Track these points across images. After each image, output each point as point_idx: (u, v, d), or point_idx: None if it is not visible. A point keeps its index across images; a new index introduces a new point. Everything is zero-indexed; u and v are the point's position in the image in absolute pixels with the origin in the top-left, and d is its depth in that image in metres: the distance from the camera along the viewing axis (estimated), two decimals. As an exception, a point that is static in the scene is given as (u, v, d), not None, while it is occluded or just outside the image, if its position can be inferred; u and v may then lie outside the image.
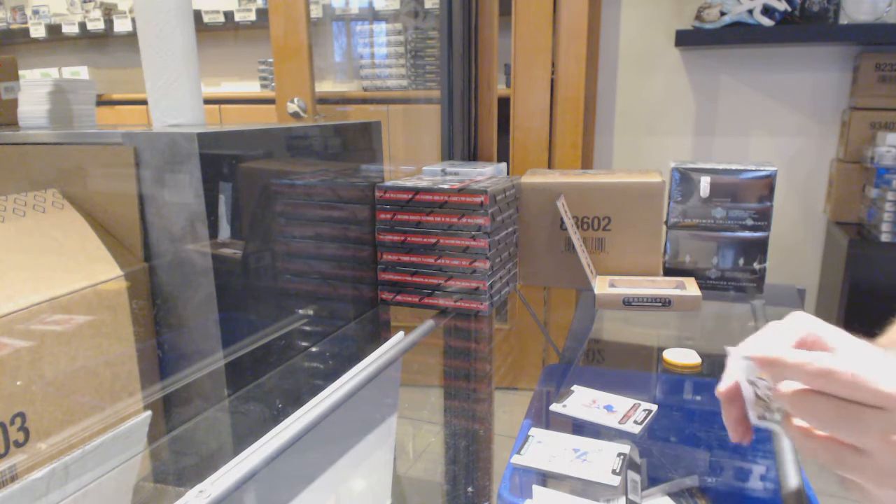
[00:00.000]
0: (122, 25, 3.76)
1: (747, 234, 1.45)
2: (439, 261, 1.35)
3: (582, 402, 1.08)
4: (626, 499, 0.81)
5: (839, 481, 0.49)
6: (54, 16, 3.97)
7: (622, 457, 0.90)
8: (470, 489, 0.97)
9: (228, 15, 3.65)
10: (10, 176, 1.18)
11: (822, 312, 2.10)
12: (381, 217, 1.40)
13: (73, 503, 0.90)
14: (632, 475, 0.87)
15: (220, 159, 1.10)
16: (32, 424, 0.90)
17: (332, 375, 1.17)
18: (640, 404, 1.06)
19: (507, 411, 1.24)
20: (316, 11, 3.26)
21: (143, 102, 1.39)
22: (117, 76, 3.65)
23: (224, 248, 1.11)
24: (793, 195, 2.18)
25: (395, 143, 2.89)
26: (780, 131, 2.21)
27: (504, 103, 2.35)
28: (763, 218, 1.44)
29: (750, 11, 2.01)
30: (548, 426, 1.01)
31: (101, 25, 3.85)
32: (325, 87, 3.29)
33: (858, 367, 0.40)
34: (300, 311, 1.30)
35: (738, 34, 2.07)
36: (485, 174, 1.50)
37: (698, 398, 1.17)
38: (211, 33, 3.66)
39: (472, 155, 2.22)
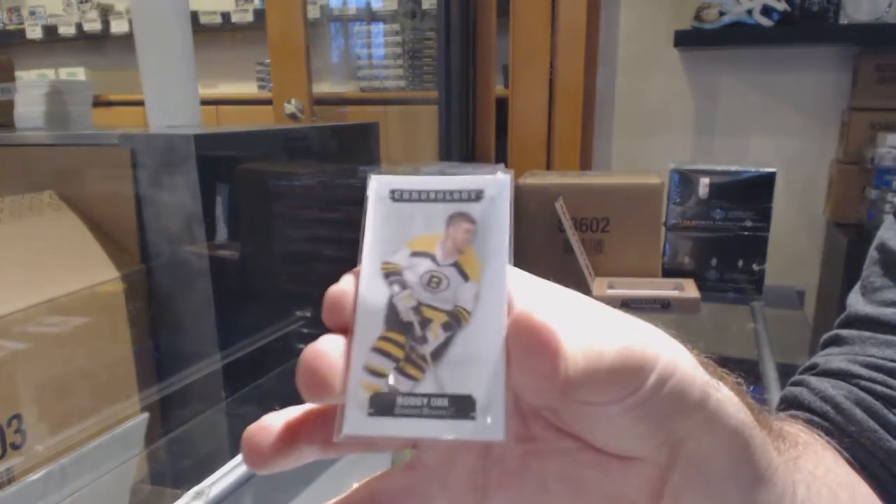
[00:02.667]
0: (118, 26, 3.76)
1: (746, 235, 1.45)
2: (438, 262, 1.34)
3: None
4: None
5: None
6: (51, 17, 3.96)
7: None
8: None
9: (225, 16, 3.64)
10: (7, 177, 1.18)
11: (821, 314, 2.10)
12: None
13: (69, 507, 0.89)
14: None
15: (216, 161, 1.09)
16: (29, 426, 0.90)
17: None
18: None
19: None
20: (313, 12, 3.25)
21: (140, 104, 1.39)
22: (114, 77, 3.64)
23: (221, 250, 1.10)
24: (792, 196, 2.17)
25: (392, 145, 2.89)
26: (779, 132, 2.21)
27: (502, 104, 2.35)
28: (762, 219, 1.44)
29: (749, 11, 2.00)
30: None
31: (97, 26, 3.84)
32: (323, 88, 3.29)
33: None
34: (298, 313, 1.29)
35: (738, 34, 2.06)
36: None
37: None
38: (208, 34, 3.66)
39: (470, 156, 2.22)
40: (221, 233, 1.10)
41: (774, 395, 1.00)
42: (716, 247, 1.47)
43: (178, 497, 0.79)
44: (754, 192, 1.44)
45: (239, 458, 0.87)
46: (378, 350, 0.26)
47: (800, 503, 0.36)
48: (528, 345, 0.24)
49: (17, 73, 1.76)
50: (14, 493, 0.85)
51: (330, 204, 1.36)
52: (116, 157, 1.09)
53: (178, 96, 1.37)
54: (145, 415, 1.06)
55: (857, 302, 0.57)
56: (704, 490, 0.31)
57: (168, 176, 1.06)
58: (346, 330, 0.27)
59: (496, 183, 0.29)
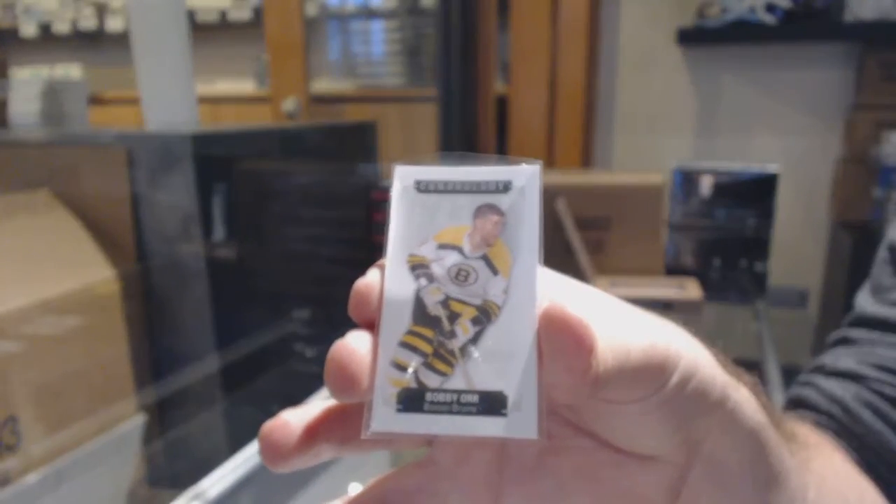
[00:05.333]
0: (114, 24, 3.74)
1: (749, 234, 1.44)
2: (437, 262, 1.33)
3: None
4: None
5: None
6: (45, 14, 3.95)
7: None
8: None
9: (223, 13, 3.63)
10: (1, 176, 1.17)
11: (825, 314, 2.09)
12: (377, 219, 1.38)
13: (63, 512, 0.89)
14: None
15: (214, 160, 1.09)
16: (24, 428, 0.89)
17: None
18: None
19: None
20: (311, 9, 3.24)
21: (137, 102, 1.38)
22: (110, 75, 3.63)
23: (218, 250, 1.10)
24: (796, 195, 2.16)
25: (391, 143, 2.88)
26: (783, 130, 2.20)
27: (503, 102, 2.34)
28: (765, 218, 1.44)
29: (752, 9, 1.99)
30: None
31: (93, 24, 3.82)
32: (321, 85, 3.28)
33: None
34: (295, 314, 1.29)
35: (741, 32, 2.05)
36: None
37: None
38: (205, 32, 3.64)
39: (471, 155, 2.20)
40: (218, 232, 1.09)
41: (777, 395, 0.99)
42: (718, 246, 1.47)
43: (175, 498, 0.78)
44: (757, 191, 1.43)
45: (238, 458, 0.86)
46: (406, 345, 0.26)
47: None
48: (562, 340, 0.24)
49: (11, 71, 1.75)
50: (9, 495, 0.84)
51: (328, 203, 1.36)
52: (112, 156, 1.08)
53: (174, 94, 1.36)
54: (142, 416, 1.06)
55: (865, 302, 0.57)
56: (721, 491, 0.31)
57: (165, 175, 1.05)
58: (372, 325, 0.26)
59: (525, 173, 0.28)
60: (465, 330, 0.26)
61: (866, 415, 0.50)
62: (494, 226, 0.27)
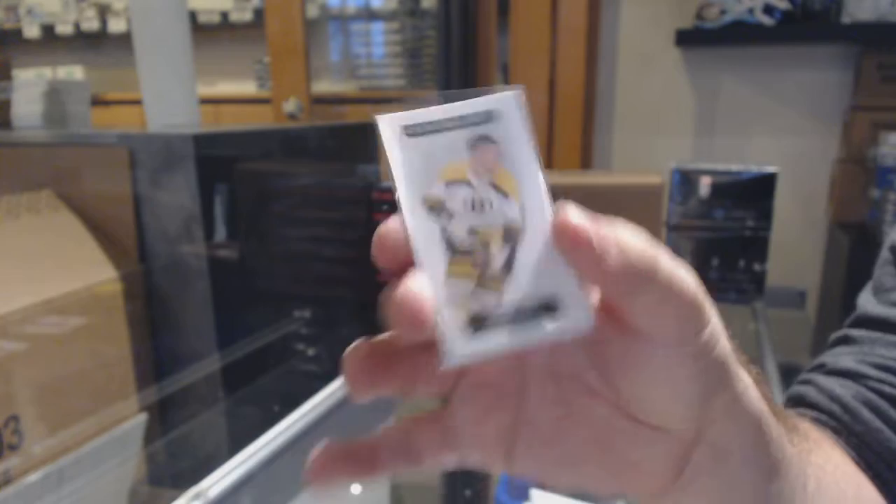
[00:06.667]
0: (116, 25, 3.75)
1: (748, 235, 1.45)
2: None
3: None
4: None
5: None
6: (48, 15, 3.95)
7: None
8: (467, 492, 0.96)
9: (224, 15, 3.63)
10: (4, 177, 1.17)
11: (823, 314, 2.09)
12: (377, 219, 1.38)
13: (66, 510, 0.89)
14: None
15: (215, 161, 1.09)
16: (27, 427, 0.90)
17: (328, 378, 1.16)
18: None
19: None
20: (312, 11, 3.24)
21: (139, 103, 1.38)
22: (112, 76, 3.64)
23: (220, 250, 1.10)
24: (794, 196, 2.16)
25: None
26: (781, 131, 2.20)
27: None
28: (764, 219, 1.44)
29: (751, 10, 2.00)
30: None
31: (95, 25, 3.83)
32: (322, 86, 3.28)
33: None
34: (296, 314, 1.29)
35: (739, 33, 2.06)
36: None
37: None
38: (206, 33, 3.65)
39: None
40: (220, 233, 1.09)
41: (776, 395, 0.99)
42: (717, 247, 1.47)
43: (176, 498, 0.78)
44: (756, 191, 1.43)
45: (237, 459, 0.86)
46: (453, 276, 0.27)
47: (809, 496, 0.37)
48: (565, 243, 0.26)
49: (15, 72, 1.76)
50: (11, 494, 0.85)
51: (329, 204, 1.36)
52: (115, 157, 1.08)
53: (176, 95, 1.36)
54: (144, 415, 1.06)
55: (867, 302, 0.57)
56: (721, 475, 0.32)
57: (167, 176, 1.05)
58: (401, 270, 0.27)
59: (503, 100, 0.29)
60: (498, 252, 0.28)
61: (866, 413, 0.50)
62: (492, 154, 0.29)
